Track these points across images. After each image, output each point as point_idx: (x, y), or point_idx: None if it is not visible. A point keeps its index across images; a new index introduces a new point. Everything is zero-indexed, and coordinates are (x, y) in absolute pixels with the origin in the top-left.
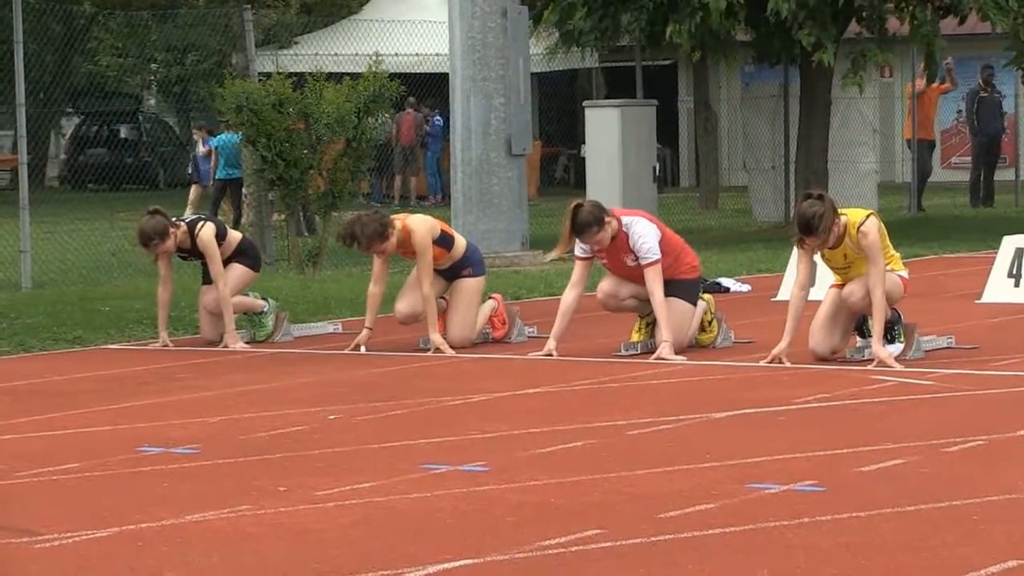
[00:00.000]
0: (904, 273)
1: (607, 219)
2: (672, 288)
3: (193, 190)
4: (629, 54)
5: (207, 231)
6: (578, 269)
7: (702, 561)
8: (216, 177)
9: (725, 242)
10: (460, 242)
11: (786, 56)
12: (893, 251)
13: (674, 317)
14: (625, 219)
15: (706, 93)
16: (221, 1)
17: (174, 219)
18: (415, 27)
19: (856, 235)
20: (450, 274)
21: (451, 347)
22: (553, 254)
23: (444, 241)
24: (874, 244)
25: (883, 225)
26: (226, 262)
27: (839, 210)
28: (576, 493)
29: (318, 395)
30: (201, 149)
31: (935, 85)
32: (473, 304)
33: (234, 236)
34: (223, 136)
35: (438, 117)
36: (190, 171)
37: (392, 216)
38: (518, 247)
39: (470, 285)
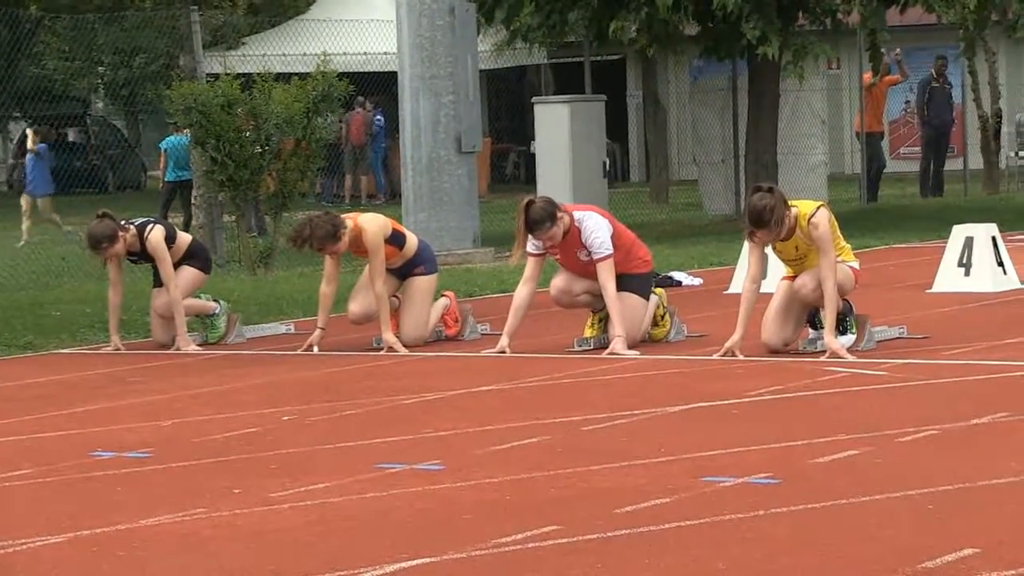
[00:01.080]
0: (855, 264)
1: (559, 215)
2: (624, 283)
3: (24, 200)
4: (577, 50)
5: (156, 234)
6: (530, 265)
7: (659, 555)
8: (166, 179)
9: (676, 236)
10: (412, 240)
11: (734, 50)
12: (844, 242)
13: (627, 312)
14: (577, 214)
15: (655, 88)
16: (168, 3)
17: (123, 222)
18: (363, 26)
19: (807, 227)
20: (402, 272)
21: (404, 346)
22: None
23: (396, 239)
24: (825, 235)
25: (834, 216)
26: (176, 265)
27: (789, 202)
28: (532, 490)
29: (271, 396)
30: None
31: (887, 77)
32: (426, 302)
33: (184, 238)
34: (172, 138)
35: (379, 116)
36: (14, 176)
37: (344, 215)
38: (470, 244)
39: (422, 283)
